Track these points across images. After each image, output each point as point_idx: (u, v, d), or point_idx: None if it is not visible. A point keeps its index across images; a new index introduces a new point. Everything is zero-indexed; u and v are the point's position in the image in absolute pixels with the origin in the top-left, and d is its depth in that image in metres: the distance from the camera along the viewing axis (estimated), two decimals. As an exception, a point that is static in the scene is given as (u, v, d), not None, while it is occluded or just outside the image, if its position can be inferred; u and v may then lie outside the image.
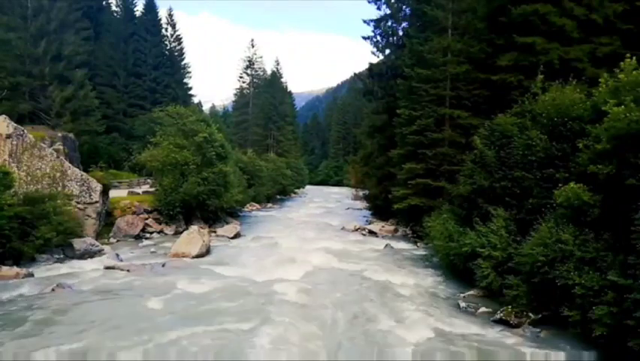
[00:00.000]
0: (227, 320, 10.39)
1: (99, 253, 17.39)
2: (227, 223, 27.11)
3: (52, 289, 12.31)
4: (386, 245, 21.72)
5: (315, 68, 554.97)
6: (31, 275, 13.85)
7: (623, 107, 9.34)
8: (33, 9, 31.56)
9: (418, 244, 21.70)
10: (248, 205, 39.18)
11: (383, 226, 27.22)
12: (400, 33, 30.99)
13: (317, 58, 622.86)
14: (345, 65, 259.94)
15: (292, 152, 70.17)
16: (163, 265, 16.06)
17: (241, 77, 72.75)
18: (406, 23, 30.53)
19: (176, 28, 55.44)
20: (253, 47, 72.03)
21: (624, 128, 9.15)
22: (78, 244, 17.31)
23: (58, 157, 20.49)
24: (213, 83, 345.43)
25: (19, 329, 9.42)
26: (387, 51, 32.10)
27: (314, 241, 22.51)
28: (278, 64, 76.55)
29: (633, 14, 16.81)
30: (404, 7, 30.75)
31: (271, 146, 64.80)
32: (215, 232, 24.13)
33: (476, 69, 20.59)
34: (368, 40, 31.63)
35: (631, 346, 7.81)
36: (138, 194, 27.48)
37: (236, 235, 23.96)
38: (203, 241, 18.66)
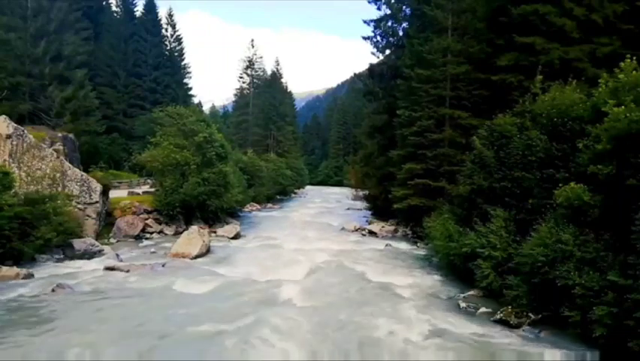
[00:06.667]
0: (227, 320, 10.37)
1: (99, 253, 17.39)
2: (227, 224, 27.09)
3: (53, 290, 12.31)
4: (386, 245, 21.74)
5: (315, 68, 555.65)
6: (32, 275, 13.83)
7: (623, 107, 9.35)
8: (33, 9, 31.52)
9: (418, 245, 21.69)
10: (248, 205, 39.16)
11: (383, 227, 27.20)
12: (400, 33, 31.01)
13: (317, 58, 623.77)
14: (345, 65, 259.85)
15: (292, 152, 70.13)
16: (163, 266, 16.06)
17: (241, 78, 72.67)
18: (406, 23, 30.53)
19: (176, 29, 55.52)
20: (253, 47, 71.97)
21: (624, 128, 9.16)
22: (78, 244, 17.31)
23: (58, 157, 20.48)
24: (214, 84, 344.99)
25: (20, 329, 9.41)
26: (388, 51, 32.10)
27: (314, 242, 22.52)
28: (278, 64, 76.68)
29: (633, 14, 16.80)
30: (404, 7, 30.75)
31: (271, 146, 64.74)
32: (215, 232, 24.12)
33: (476, 69, 20.59)
34: (368, 41, 31.69)
35: (631, 346, 7.81)
36: (138, 194, 27.47)
37: (237, 236, 23.95)
38: (203, 242, 18.66)
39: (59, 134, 23.20)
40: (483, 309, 11.63)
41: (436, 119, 22.03)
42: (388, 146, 27.36)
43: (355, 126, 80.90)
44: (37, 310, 10.65)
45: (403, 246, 22.05)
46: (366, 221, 31.57)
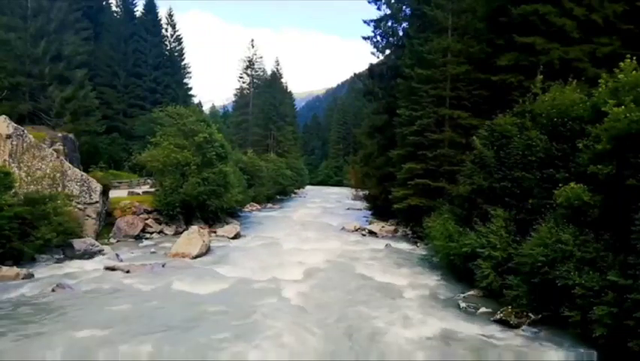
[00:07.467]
0: (227, 320, 10.39)
1: (99, 253, 17.40)
2: (227, 223, 27.10)
3: (53, 290, 12.32)
4: (386, 245, 21.74)
5: (315, 68, 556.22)
6: (32, 275, 13.84)
7: (623, 107, 9.36)
8: (33, 9, 31.46)
9: (418, 245, 21.69)
10: (248, 205, 39.17)
11: (383, 227, 27.21)
12: (400, 33, 31.00)
13: (317, 58, 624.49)
14: (345, 65, 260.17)
15: (292, 152, 70.12)
16: (163, 266, 16.06)
17: (241, 78, 72.70)
18: (406, 23, 30.51)
19: (176, 29, 55.52)
20: (253, 47, 72.02)
21: (624, 128, 9.18)
22: (78, 244, 17.31)
23: (58, 157, 20.47)
24: (214, 84, 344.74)
25: (20, 329, 9.41)
26: (388, 51, 32.10)
27: (314, 242, 22.50)
28: (278, 64, 76.75)
29: (633, 14, 16.82)
30: (404, 7, 30.74)
31: (271, 146, 64.71)
32: (215, 232, 24.13)
33: (476, 69, 20.59)
34: (368, 41, 31.66)
35: (631, 346, 7.81)
36: (138, 194, 27.47)
37: (237, 236, 23.96)
38: (203, 241, 18.67)
39: (59, 134, 23.20)
40: (483, 309, 11.64)
41: (436, 120, 22.03)
42: (388, 146, 27.36)
43: (355, 126, 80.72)
44: (37, 310, 10.64)
45: (403, 246, 22.05)
46: (366, 221, 31.57)
